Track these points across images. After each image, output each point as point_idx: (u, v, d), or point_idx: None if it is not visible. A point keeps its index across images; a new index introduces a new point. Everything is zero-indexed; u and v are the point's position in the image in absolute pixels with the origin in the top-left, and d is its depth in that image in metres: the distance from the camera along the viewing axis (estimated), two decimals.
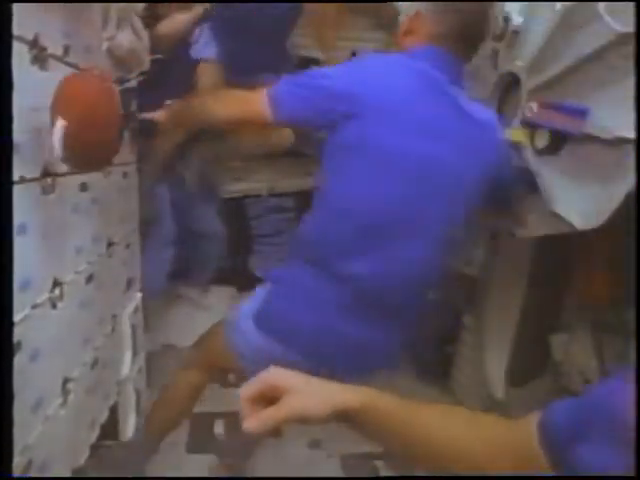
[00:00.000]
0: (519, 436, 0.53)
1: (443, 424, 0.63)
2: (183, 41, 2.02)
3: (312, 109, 1.04)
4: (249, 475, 1.66)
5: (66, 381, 1.24)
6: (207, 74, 1.88)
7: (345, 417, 0.65)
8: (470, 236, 1.20)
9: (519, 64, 1.41)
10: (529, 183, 1.30)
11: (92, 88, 1.12)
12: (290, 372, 0.64)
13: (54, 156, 1.06)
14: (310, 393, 0.63)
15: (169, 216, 2.31)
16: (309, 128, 1.15)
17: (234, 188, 2.67)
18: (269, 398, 0.61)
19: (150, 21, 2.00)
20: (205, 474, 1.67)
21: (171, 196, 2.28)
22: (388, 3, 2.10)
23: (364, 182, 1.02)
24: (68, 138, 1.04)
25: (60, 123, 1.03)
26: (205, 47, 1.94)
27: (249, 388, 0.62)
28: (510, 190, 1.20)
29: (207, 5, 1.99)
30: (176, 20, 1.93)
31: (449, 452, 0.59)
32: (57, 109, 1.06)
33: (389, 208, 1.02)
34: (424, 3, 1.11)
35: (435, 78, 1.04)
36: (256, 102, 1.08)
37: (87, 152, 1.12)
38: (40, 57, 1.06)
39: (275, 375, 0.63)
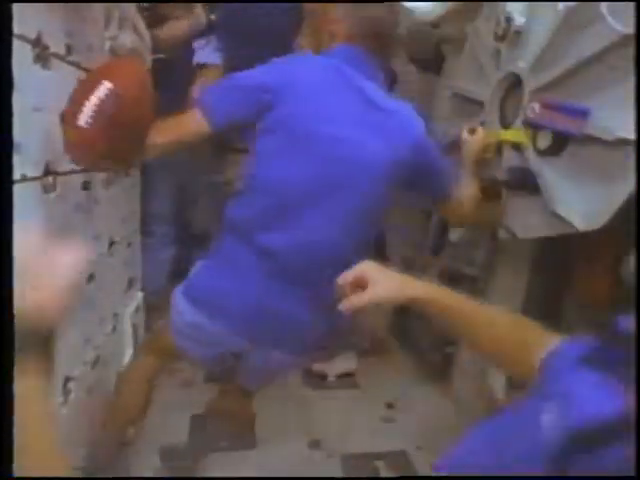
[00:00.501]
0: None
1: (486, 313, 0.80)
2: (184, 45, 2.03)
3: (244, 108, 1.15)
4: (249, 475, 1.66)
5: (67, 380, 1.25)
6: (209, 77, 1.89)
7: (413, 304, 0.79)
8: (386, 214, 1.29)
9: (521, 65, 1.41)
10: (528, 184, 1.32)
11: (143, 69, 1.10)
12: (376, 266, 0.82)
13: (82, 123, 0.99)
14: (389, 284, 0.79)
15: (170, 216, 2.32)
16: (244, 125, 1.20)
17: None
18: (359, 285, 0.80)
19: (151, 21, 2.01)
20: (205, 474, 1.67)
21: (172, 195, 2.29)
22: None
23: (282, 163, 1.13)
24: (108, 103, 0.98)
25: (106, 85, 0.97)
26: (211, 54, 1.95)
27: (345, 276, 0.82)
28: (429, 175, 1.27)
29: (207, 9, 2.00)
30: (176, 26, 1.94)
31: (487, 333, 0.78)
32: (104, 74, 1.03)
33: (303, 186, 1.13)
34: (340, 9, 1.24)
35: (345, 73, 1.16)
36: (191, 120, 1.18)
37: (119, 132, 1.05)
38: (42, 56, 1.06)
39: (365, 267, 0.82)
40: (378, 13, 1.21)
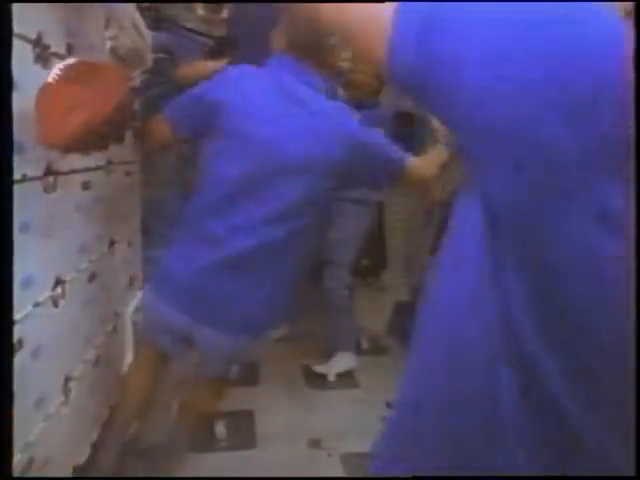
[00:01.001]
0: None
1: None
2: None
3: (200, 119, 1.34)
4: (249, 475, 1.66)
5: (68, 379, 1.25)
6: None
7: None
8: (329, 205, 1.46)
9: None
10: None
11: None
12: None
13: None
14: None
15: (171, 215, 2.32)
16: (203, 132, 1.38)
17: None
18: None
19: (152, 21, 2.01)
20: (205, 474, 1.67)
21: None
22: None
23: (225, 162, 1.29)
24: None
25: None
26: None
27: None
28: (370, 164, 1.37)
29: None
30: (202, 67, 1.96)
31: None
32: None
33: (242, 181, 1.27)
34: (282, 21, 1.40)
35: (280, 79, 1.31)
36: (164, 130, 1.42)
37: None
38: (43, 56, 1.06)
39: None
40: (307, 27, 1.32)
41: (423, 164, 1.45)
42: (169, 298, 1.33)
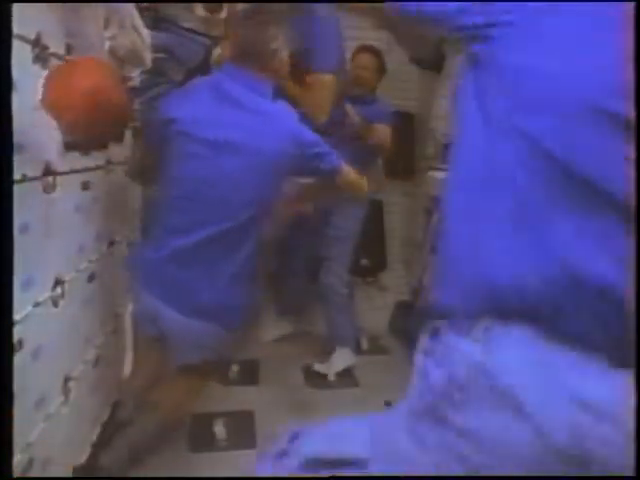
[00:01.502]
0: None
1: None
2: None
3: (160, 139, 1.45)
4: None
5: (67, 379, 1.25)
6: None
7: None
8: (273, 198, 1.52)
9: None
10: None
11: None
12: None
13: None
14: None
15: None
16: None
17: None
18: None
19: (151, 21, 2.01)
20: (205, 474, 1.67)
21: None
22: (388, 3, 2.09)
23: (182, 164, 1.43)
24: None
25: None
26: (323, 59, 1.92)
27: None
28: (308, 162, 1.48)
29: None
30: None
31: None
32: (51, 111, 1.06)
33: (196, 181, 1.40)
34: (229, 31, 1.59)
35: (223, 86, 1.44)
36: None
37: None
38: (42, 56, 1.06)
39: None
40: (250, 35, 1.46)
41: (353, 172, 1.58)
42: (142, 284, 1.45)
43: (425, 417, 0.70)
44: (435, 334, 0.72)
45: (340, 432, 0.83)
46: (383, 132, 2.26)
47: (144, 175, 1.65)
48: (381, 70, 2.37)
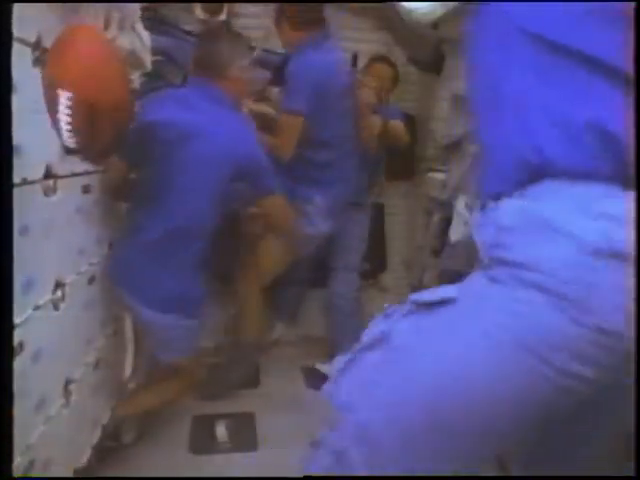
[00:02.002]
0: None
1: None
2: None
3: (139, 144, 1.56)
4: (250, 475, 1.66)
5: (68, 382, 1.25)
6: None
7: None
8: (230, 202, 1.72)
9: None
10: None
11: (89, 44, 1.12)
12: None
13: (70, 145, 1.06)
14: None
15: None
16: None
17: None
18: None
19: (150, 23, 2.01)
20: (205, 474, 1.67)
21: None
22: (389, 4, 2.10)
23: (148, 167, 1.59)
24: (77, 109, 1.02)
25: (64, 95, 1.02)
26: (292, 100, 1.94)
27: None
28: (251, 174, 1.64)
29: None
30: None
31: None
32: (58, 79, 1.04)
33: (156, 181, 1.56)
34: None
35: (186, 98, 1.60)
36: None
37: (102, 122, 1.14)
38: (42, 59, 1.06)
39: None
40: (214, 50, 1.62)
41: (279, 206, 1.73)
42: (115, 281, 1.57)
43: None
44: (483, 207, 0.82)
45: None
46: (399, 127, 2.30)
47: (121, 191, 1.70)
48: (395, 80, 2.38)
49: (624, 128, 0.67)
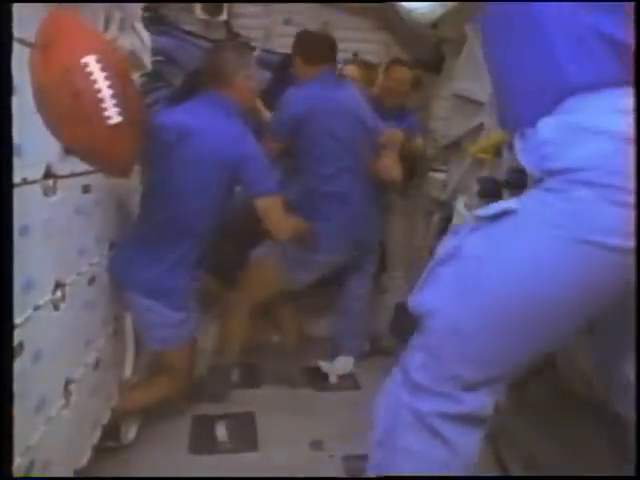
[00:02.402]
0: None
1: None
2: None
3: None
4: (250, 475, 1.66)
5: (68, 382, 1.25)
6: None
7: None
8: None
9: None
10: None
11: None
12: None
13: (115, 119, 1.01)
14: None
15: None
16: None
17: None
18: None
19: (151, 24, 2.01)
20: (205, 474, 1.67)
21: None
22: (389, 4, 2.10)
23: (156, 167, 1.69)
24: (112, 75, 1.00)
25: (92, 59, 0.97)
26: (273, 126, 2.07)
27: None
28: (246, 181, 1.73)
29: None
30: None
31: None
32: (75, 52, 1.00)
33: (160, 182, 1.68)
34: None
35: (192, 106, 1.74)
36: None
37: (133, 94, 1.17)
38: None
39: None
40: (220, 61, 1.72)
41: (275, 207, 1.73)
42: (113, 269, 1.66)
43: None
44: None
45: None
46: (419, 147, 2.37)
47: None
48: (415, 84, 2.39)
49: (628, 35, 0.80)
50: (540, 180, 0.86)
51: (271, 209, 1.73)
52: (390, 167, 2.14)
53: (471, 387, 0.92)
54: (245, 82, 1.74)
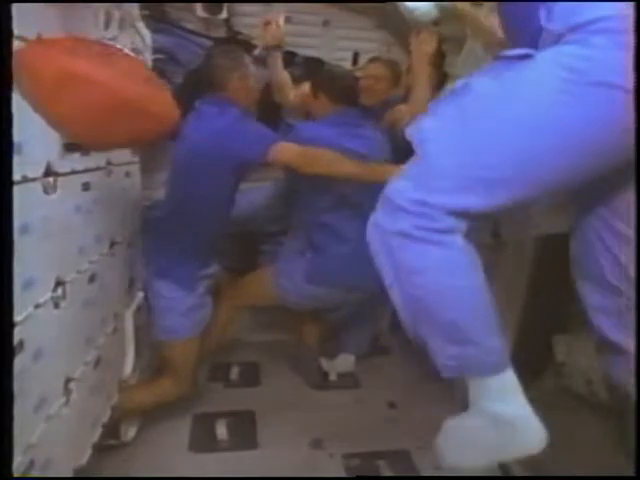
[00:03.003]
0: None
1: None
2: None
3: None
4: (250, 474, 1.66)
5: (68, 380, 1.25)
6: None
7: None
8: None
9: None
10: None
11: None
12: None
13: None
14: None
15: None
16: None
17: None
18: None
19: (151, 22, 2.01)
20: (206, 475, 1.67)
21: None
22: (390, 3, 2.10)
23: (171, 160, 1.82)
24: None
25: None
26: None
27: None
28: (234, 159, 1.73)
29: None
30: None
31: None
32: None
33: (172, 172, 1.80)
34: None
35: (201, 106, 1.79)
36: None
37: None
38: None
39: None
40: (209, 68, 1.79)
41: (292, 150, 1.70)
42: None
43: None
44: None
45: None
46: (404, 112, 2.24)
47: None
48: (393, 80, 2.35)
49: None
50: (558, 38, 0.87)
51: (284, 153, 1.68)
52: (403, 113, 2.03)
53: (450, 213, 0.89)
54: (240, 83, 1.76)
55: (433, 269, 0.89)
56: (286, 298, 2.00)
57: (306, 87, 2.12)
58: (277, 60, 2.15)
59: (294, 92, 2.20)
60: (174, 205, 1.78)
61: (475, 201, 0.87)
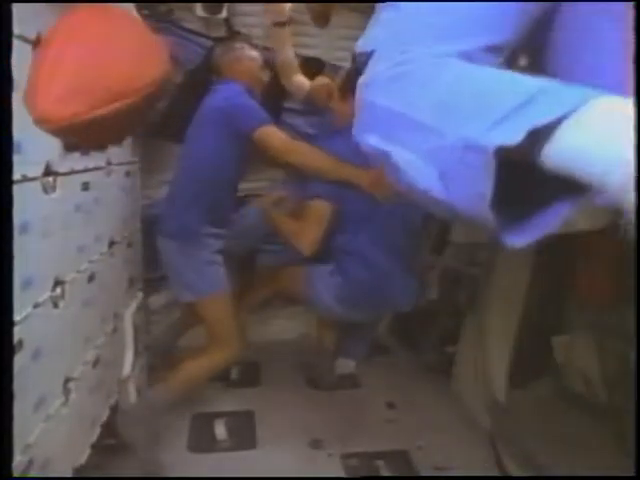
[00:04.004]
0: None
1: None
2: None
3: None
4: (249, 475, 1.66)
5: (67, 380, 1.25)
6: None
7: None
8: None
9: (522, 63, 1.41)
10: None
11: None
12: None
13: None
14: None
15: None
16: None
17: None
18: None
19: (151, 22, 2.01)
20: (206, 475, 1.67)
21: None
22: None
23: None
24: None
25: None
26: None
27: None
28: (232, 124, 1.82)
29: None
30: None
31: None
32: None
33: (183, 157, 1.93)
34: None
35: (215, 87, 1.93)
36: None
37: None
38: None
39: None
40: (220, 50, 1.98)
41: (279, 135, 1.78)
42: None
43: None
44: None
45: None
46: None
47: None
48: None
49: None
50: None
51: (269, 136, 1.77)
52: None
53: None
54: (238, 65, 1.92)
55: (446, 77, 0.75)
56: (316, 306, 2.09)
57: (325, 79, 2.19)
58: (282, 37, 2.17)
59: (311, 84, 2.22)
60: (186, 169, 1.84)
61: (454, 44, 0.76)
